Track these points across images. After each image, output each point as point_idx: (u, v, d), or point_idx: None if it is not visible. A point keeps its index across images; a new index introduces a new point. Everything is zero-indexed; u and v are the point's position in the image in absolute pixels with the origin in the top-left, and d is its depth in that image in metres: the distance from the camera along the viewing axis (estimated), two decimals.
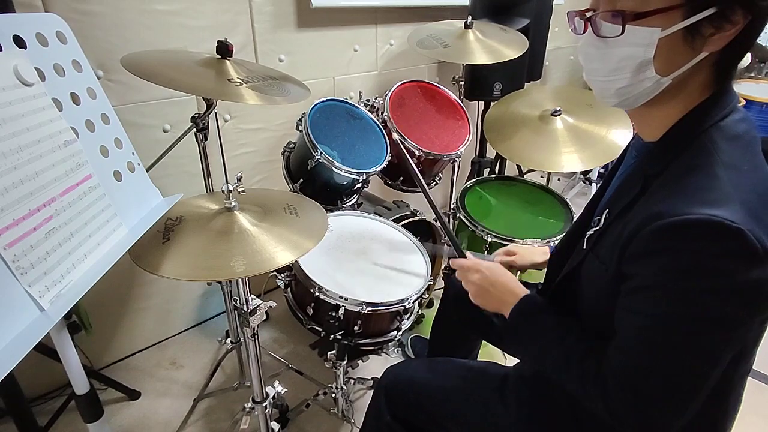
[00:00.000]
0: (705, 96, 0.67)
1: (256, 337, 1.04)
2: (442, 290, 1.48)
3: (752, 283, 0.58)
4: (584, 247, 0.80)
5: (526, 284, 0.93)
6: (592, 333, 0.78)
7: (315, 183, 1.52)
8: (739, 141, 0.65)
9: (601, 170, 2.67)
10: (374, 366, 1.72)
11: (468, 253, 0.99)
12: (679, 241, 0.59)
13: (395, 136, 1.58)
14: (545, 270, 1.08)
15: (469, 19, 1.81)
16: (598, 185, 0.93)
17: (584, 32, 0.70)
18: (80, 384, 0.79)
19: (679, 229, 0.59)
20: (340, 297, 1.18)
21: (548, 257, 1.13)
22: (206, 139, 1.28)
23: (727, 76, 0.67)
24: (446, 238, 1.27)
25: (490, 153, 2.22)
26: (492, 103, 2.00)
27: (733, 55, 0.65)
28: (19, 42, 0.67)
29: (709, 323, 0.60)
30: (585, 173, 2.81)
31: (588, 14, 0.69)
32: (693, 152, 0.66)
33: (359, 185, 1.58)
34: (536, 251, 1.18)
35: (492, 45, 1.77)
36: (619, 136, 1.61)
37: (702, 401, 0.65)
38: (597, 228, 0.78)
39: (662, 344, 0.63)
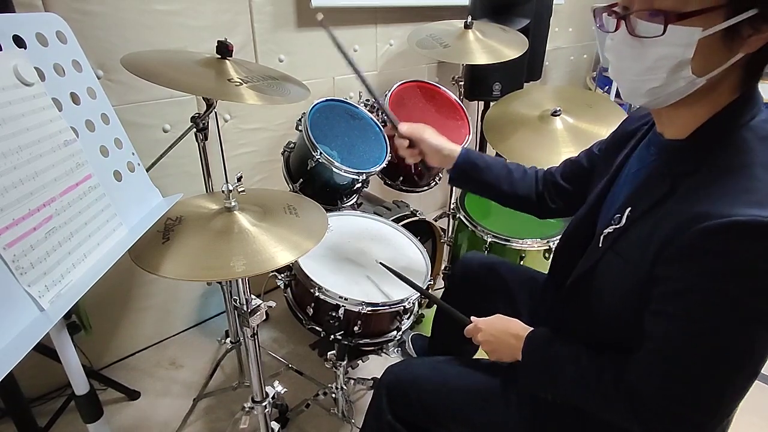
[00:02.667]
0: (733, 96, 0.67)
1: (255, 336, 1.04)
2: (443, 290, 1.48)
3: None
4: (600, 245, 0.79)
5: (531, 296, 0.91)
6: (606, 339, 0.77)
7: (315, 183, 1.52)
8: None
9: None
10: (374, 366, 1.72)
11: (473, 318, 1.00)
12: (729, 243, 0.59)
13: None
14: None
15: (469, 19, 1.81)
16: (599, 182, 0.92)
17: (616, 30, 0.68)
18: (80, 384, 0.79)
19: (729, 231, 0.58)
20: (340, 297, 1.18)
21: (455, 158, 1.13)
22: (206, 139, 1.28)
23: (757, 77, 0.66)
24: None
25: (490, 153, 2.22)
26: (492, 103, 2.00)
27: (764, 57, 0.64)
28: (19, 42, 0.67)
29: (758, 324, 0.60)
30: None
31: (622, 12, 0.67)
32: (727, 152, 0.65)
33: (359, 185, 1.58)
34: (442, 141, 1.15)
35: (492, 45, 1.77)
36: None
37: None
38: (618, 226, 0.76)
39: (710, 349, 0.62)
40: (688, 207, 0.63)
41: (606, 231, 0.79)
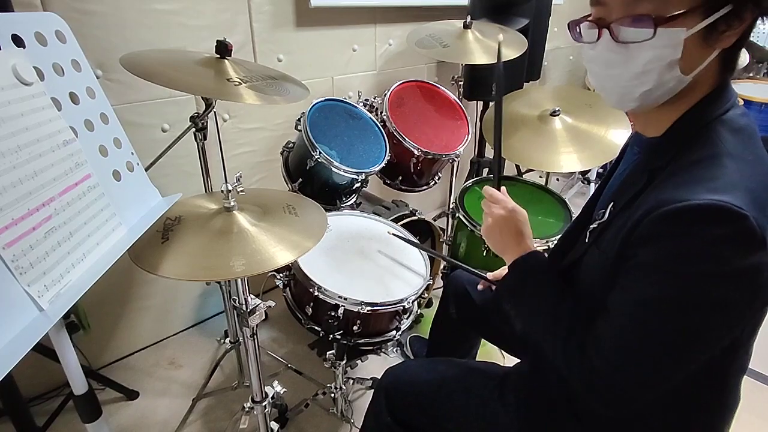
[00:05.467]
0: (707, 91, 0.69)
1: (255, 336, 1.04)
2: (441, 290, 1.48)
3: (750, 268, 0.58)
4: (587, 240, 0.81)
5: None
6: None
7: (314, 183, 1.52)
8: (742, 133, 0.67)
9: (600, 170, 2.67)
10: (373, 366, 1.72)
11: (503, 189, 0.96)
12: (683, 226, 0.60)
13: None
14: None
15: (469, 19, 1.81)
16: (598, 184, 0.93)
17: (597, 39, 0.69)
18: (78, 384, 0.79)
19: (684, 214, 0.59)
20: (339, 297, 1.18)
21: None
22: (205, 138, 1.28)
23: (730, 70, 0.69)
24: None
25: (489, 153, 2.23)
26: (491, 103, 2.00)
27: (736, 51, 0.67)
28: (18, 41, 0.67)
29: (704, 307, 0.61)
30: (584, 173, 2.82)
31: (599, 23, 0.68)
32: (699, 144, 0.67)
33: (358, 185, 1.58)
34: None
35: (491, 45, 1.77)
36: (618, 135, 1.61)
37: (677, 382, 0.65)
38: (601, 221, 0.78)
39: (655, 325, 0.63)
40: (656, 195, 0.65)
41: (591, 227, 0.81)
